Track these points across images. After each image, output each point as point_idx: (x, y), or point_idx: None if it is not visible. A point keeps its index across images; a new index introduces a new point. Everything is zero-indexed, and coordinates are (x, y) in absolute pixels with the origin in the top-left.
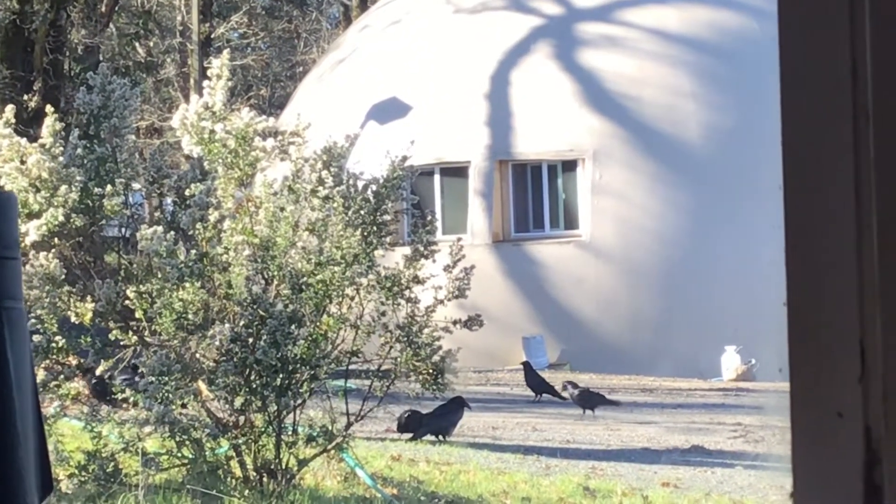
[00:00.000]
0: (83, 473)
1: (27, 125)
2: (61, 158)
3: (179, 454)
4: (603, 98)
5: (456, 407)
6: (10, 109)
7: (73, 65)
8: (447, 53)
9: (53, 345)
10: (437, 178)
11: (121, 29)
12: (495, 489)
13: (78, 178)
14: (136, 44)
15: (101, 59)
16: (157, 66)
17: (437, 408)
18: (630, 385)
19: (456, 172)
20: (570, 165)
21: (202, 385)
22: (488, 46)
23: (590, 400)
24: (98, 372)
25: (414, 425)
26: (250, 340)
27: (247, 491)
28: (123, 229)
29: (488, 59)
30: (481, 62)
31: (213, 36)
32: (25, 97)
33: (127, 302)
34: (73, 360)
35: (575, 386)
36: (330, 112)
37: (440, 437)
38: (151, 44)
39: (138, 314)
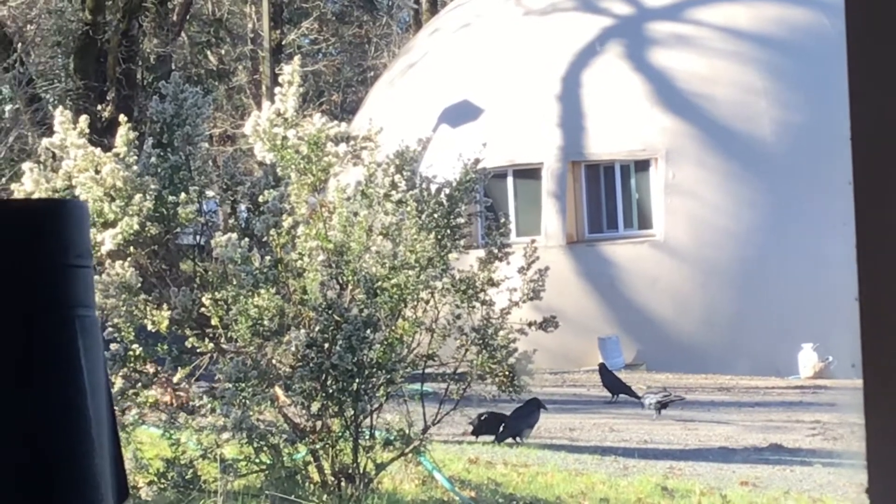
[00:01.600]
0: (162, 481)
1: (101, 135)
2: (135, 167)
3: (257, 460)
4: (674, 97)
5: (533, 409)
6: (84, 119)
7: (146, 74)
8: (518, 55)
9: (131, 353)
10: (509, 180)
11: (192, 37)
12: (573, 490)
13: (152, 186)
14: (208, 52)
15: (173, 67)
16: (229, 73)
17: (515, 410)
18: (707, 384)
19: (529, 174)
20: (642, 165)
21: (279, 391)
22: (559, 47)
23: (664, 406)
24: (175, 380)
25: (490, 428)
26: (326, 345)
27: (325, 496)
28: (198, 237)
29: (559, 60)
30: (552, 63)
31: (284, 42)
32: (99, 107)
33: (203, 309)
34: (150, 368)
35: (654, 394)
36: (402, 116)
37: (517, 439)
38: (223, 52)
39: (214, 321)
